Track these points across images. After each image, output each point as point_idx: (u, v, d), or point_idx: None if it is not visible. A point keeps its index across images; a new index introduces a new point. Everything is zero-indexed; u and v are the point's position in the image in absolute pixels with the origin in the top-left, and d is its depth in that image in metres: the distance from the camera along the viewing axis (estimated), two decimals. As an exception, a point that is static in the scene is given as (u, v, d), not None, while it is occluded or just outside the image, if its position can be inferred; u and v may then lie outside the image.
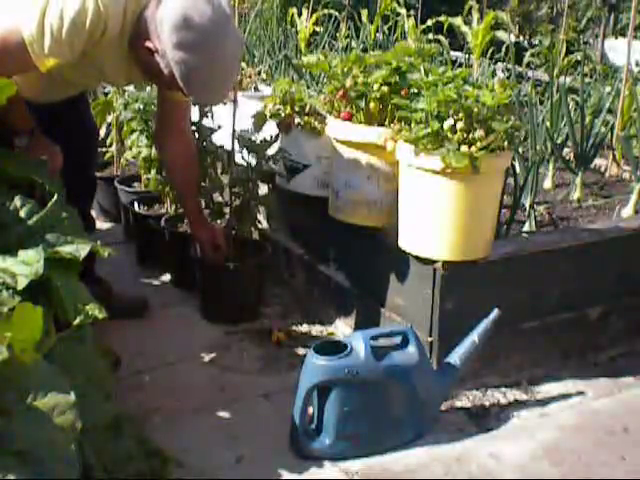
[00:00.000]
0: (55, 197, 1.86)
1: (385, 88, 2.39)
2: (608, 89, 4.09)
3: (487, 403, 2.30)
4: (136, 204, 3.26)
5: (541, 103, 4.15)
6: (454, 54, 5.51)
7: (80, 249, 1.76)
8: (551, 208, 3.01)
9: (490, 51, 5.18)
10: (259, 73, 4.53)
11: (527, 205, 2.81)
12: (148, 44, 2.02)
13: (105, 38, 2.00)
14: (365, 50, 5.38)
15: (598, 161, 3.55)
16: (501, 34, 4.96)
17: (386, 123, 2.31)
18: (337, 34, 5.84)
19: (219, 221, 2.94)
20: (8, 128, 2.17)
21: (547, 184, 3.34)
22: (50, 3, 1.91)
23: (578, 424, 2.22)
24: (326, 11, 6.06)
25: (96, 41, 1.99)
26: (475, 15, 4.91)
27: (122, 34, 2.04)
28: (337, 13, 6.08)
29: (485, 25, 4.69)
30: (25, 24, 1.93)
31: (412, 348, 2.06)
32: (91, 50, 2.02)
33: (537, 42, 7.43)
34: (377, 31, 6.03)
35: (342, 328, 2.69)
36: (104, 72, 2.21)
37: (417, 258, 2.28)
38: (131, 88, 3.48)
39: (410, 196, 2.25)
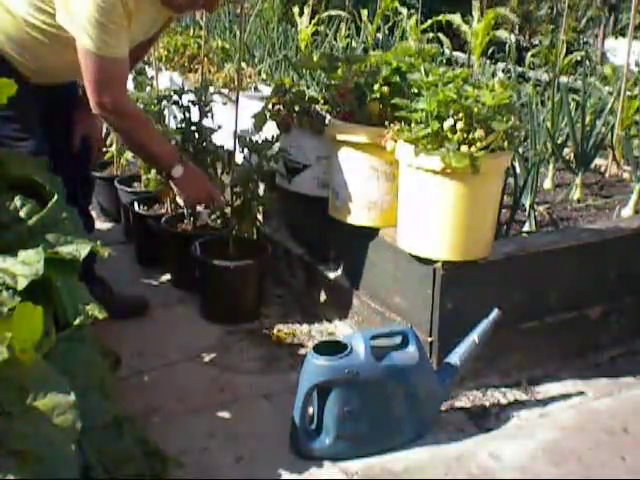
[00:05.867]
0: (55, 197, 1.86)
1: (385, 88, 2.39)
2: (608, 89, 4.09)
3: (487, 403, 2.30)
4: (136, 204, 3.26)
5: (542, 103, 4.15)
6: (454, 54, 5.50)
7: (80, 249, 1.76)
8: (551, 208, 3.01)
9: (490, 51, 5.17)
10: (259, 73, 4.53)
11: (527, 205, 2.81)
12: None
13: None
14: (365, 50, 5.38)
15: (598, 161, 3.55)
16: (501, 33, 4.95)
17: (386, 123, 2.31)
18: (337, 34, 5.84)
19: (219, 221, 2.94)
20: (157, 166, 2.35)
21: (547, 184, 3.34)
22: (73, 13, 2.05)
23: (578, 424, 2.22)
24: (330, 12, 6.04)
25: (134, 3, 2.12)
26: (475, 14, 4.89)
27: None
28: (342, 12, 6.06)
29: (485, 24, 4.67)
30: (81, 42, 2.08)
31: (412, 348, 2.06)
32: (135, 11, 2.14)
33: (537, 42, 7.44)
34: (377, 31, 6.02)
35: (342, 328, 2.69)
36: (146, 27, 2.31)
37: (417, 258, 2.28)
38: (131, 88, 3.49)
39: (410, 196, 2.25)
